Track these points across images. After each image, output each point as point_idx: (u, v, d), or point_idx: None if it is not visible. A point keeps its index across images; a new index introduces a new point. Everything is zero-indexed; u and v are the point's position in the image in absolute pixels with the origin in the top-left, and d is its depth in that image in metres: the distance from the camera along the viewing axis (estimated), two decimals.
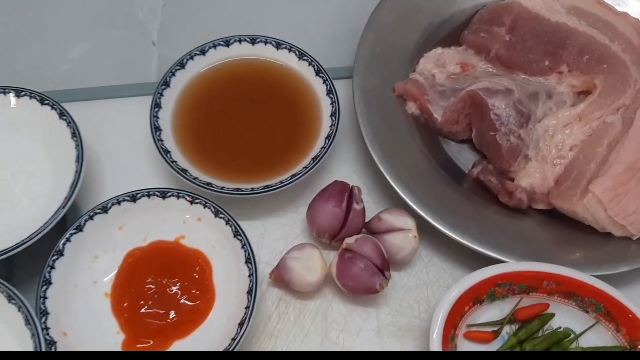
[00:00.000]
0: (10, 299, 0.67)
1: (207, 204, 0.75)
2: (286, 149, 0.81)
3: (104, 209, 0.75)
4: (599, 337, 0.71)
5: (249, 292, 0.70)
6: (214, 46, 0.87)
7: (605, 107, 0.81)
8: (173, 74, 0.84)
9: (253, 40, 0.88)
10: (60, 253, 0.72)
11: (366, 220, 0.76)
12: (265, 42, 0.88)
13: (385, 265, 0.71)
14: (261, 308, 0.74)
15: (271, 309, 0.74)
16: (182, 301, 0.72)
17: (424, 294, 0.76)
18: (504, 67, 0.87)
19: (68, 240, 0.72)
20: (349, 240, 0.72)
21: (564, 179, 0.78)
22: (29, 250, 0.70)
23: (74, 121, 0.78)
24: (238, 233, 0.73)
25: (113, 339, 0.70)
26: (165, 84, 0.84)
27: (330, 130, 0.81)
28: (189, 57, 0.86)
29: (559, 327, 0.72)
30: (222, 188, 0.76)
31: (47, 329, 0.68)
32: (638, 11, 0.91)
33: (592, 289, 0.70)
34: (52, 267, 0.71)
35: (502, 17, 0.88)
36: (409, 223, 0.74)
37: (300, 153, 0.81)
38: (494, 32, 0.88)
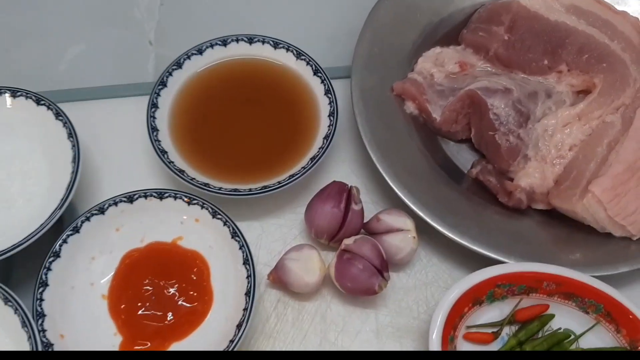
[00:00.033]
0: (6, 301, 0.66)
1: (205, 205, 0.75)
2: (284, 149, 0.81)
3: (101, 210, 0.74)
4: (599, 338, 0.71)
5: (247, 294, 0.69)
6: (211, 46, 0.86)
7: (604, 107, 0.80)
8: (170, 74, 0.84)
9: (250, 40, 0.87)
10: (57, 254, 0.71)
11: (365, 220, 0.76)
12: (263, 42, 0.87)
13: (384, 266, 0.71)
14: (259, 309, 0.74)
15: (269, 311, 0.74)
16: (179, 303, 0.72)
17: (423, 295, 0.76)
18: (503, 66, 0.87)
19: (64, 241, 0.72)
20: (348, 241, 0.72)
21: (563, 179, 0.78)
22: (27, 251, 0.70)
23: (70, 121, 0.78)
24: (236, 234, 0.73)
25: (110, 341, 0.70)
26: (162, 83, 0.83)
27: (329, 130, 0.80)
28: (186, 56, 0.85)
29: (559, 328, 0.71)
30: (220, 189, 0.76)
31: (43, 331, 0.67)
32: (637, 10, 0.91)
33: (592, 290, 0.70)
34: (49, 269, 0.70)
35: (500, 16, 0.88)
36: (407, 223, 0.74)
37: (298, 153, 0.80)
38: (493, 31, 0.87)
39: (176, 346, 0.70)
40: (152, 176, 0.83)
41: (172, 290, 0.72)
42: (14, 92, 0.81)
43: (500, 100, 0.80)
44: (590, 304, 0.71)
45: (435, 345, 0.65)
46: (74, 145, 0.76)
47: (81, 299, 0.71)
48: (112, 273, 0.73)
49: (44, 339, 0.67)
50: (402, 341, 0.73)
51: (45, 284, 0.70)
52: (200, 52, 0.86)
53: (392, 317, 0.74)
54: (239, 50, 0.87)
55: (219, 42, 0.87)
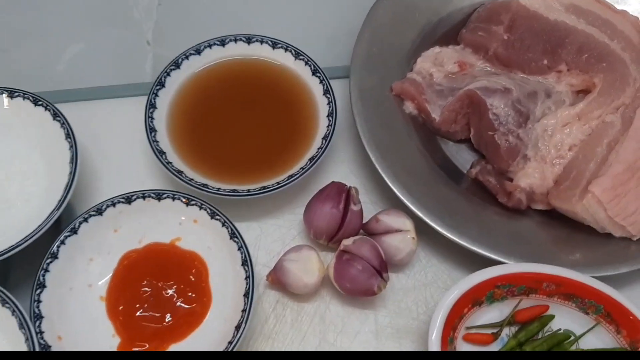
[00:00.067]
0: (4, 302, 0.66)
1: (203, 206, 0.74)
2: (283, 150, 0.81)
3: (99, 211, 0.74)
4: (600, 339, 0.70)
5: (246, 295, 0.69)
6: (210, 46, 0.86)
7: (604, 106, 0.80)
8: (168, 74, 0.84)
9: (249, 40, 0.87)
10: (55, 256, 0.71)
11: (364, 221, 0.76)
12: (261, 42, 0.87)
13: (383, 267, 0.71)
14: (258, 311, 0.74)
15: (268, 312, 0.74)
16: (178, 304, 0.71)
17: (423, 296, 0.76)
18: (503, 66, 0.87)
19: (62, 242, 0.72)
20: (347, 242, 0.72)
21: (563, 179, 0.77)
22: (24, 252, 0.69)
23: (67, 122, 0.78)
24: (234, 235, 0.73)
25: (108, 342, 0.70)
26: (160, 84, 0.83)
27: (327, 130, 0.80)
28: (184, 56, 0.85)
29: (559, 329, 0.71)
30: (218, 189, 0.76)
31: (41, 332, 0.67)
32: (637, 9, 0.91)
33: (592, 290, 0.70)
34: (46, 270, 0.70)
35: (500, 16, 0.88)
36: (407, 224, 0.74)
37: (297, 154, 0.80)
38: (492, 31, 0.87)
39: (174, 347, 0.69)
40: (150, 177, 0.83)
41: (170, 292, 0.72)
42: (11, 93, 0.80)
43: (499, 100, 0.80)
44: (591, 304, 0.70)
45: (434, 346, 0.65)
46: (71, 146, 0.76)
47: (79, 300, 0.71)
48: (110, 274, 0.73)
49: (41, 341, 0.67)
50: (401, 342, 0.73)
51: (42, 286, 0.69)
52: (198, 52, 0.86)
53: (392, 318, 0.74)
54: (237, 50, 0.87)
55: (217, 42, 0.86)
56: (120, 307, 0.71)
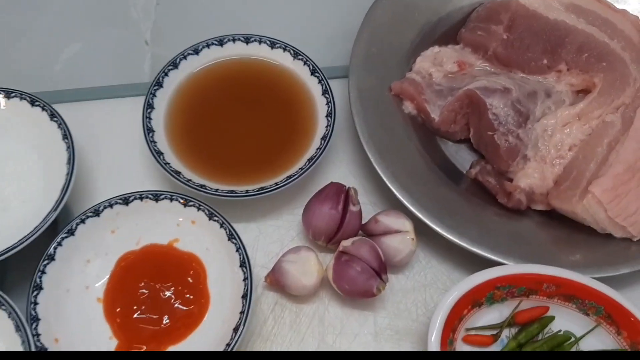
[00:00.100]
0: (0, 304, 0.66)
1: (201, 207, 0.74)
2: (281, 150, 0.80)
3: (96, 212, 0.73)
4: (600, 340, 0.70)
5: (244, 296, 0.69)
6: (208, 45, 0.86)
7: (604, 106, 0.80)
8: (166, 74, 0.83)
9: (247, 40, 0.87)
10: (52, 257, 0.71)
11: (363, 222, 0.75)
12: (260, 42, 0.87)
13: (382, 268, 0.71)
14: (256, 312, 0.73)
15: (267, 313, 0.74)
16: (175, 306, 0.71)
17: (422, 297, 0.75)
18: (502, 65, 0.86)
19: (59, 244, 0.71)
20: (346, 243, 0.71)
21: (563, 180, 0.77)
22: (21, 254, 0.69)
23: (65, 122, 0.77)
24: (232, 236, 0.72)
25: (106, 344, 0.69)
26: (158, 84, 0.82)
27: (326, 130, 0.80)
28: (182, 56, 0.84)
29: (559, 331, 0.71)
30: (216, 190, 0.75)
31: (38, 335, 0.67)
32: (637, 8, 0.91)
33: (593, 292, 0.69)
34: (43, 272, 0.70)
35: (499, 15, 0.87)
36: (406, 225, 0.73)
37: (295, 154, 0.80)
38: (492, 30, 0.87)
39: (172, 350, 0.69)
40: (148, 178, 0.82)
41: (168, 293, 0.71)
42: (8, 93, 0.80)
43: (499, 100, 0.79)
44: (591, 305, 0.70)
45: (434, 348, 0.65)
46: (69, 147, 0.76)
47: (76, 302, 0.71)
48: (108, 276, 0.73)
49: (38, 343, 0.66)
50: (400, 344, 0.72)
51: (39, 287, 0.69)
52: (196, 52, 0.85)
53: (391, 319, 0.74)
54: (235, 50, 0.87)
55: (216, 42, 0.86)
56: (118, 309, 0.71)
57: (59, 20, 0.97)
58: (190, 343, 0.69)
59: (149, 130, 0.79)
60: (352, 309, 0.74)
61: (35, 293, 0.68)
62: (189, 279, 0.72)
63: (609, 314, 0.69)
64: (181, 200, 0.75)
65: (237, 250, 0.72)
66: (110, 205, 0.74)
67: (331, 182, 0.76)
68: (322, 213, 0.73)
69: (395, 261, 0.74)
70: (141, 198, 0.75)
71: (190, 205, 0.74)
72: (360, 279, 0.70)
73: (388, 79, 0.85)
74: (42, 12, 0.97)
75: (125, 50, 0.95)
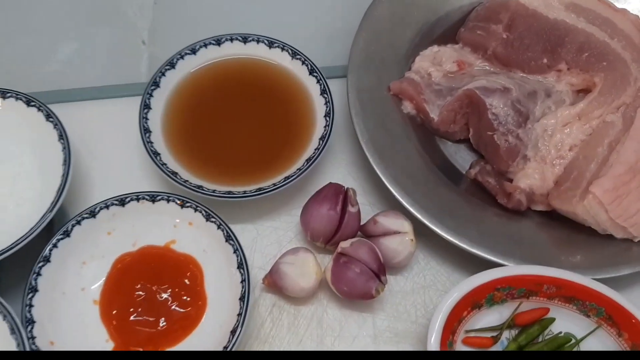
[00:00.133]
0: None
1: (198, 208, 0.73)
2: (279, 151, 0.80)
3: (92, 214, 0.73)
4: (601, 341, 0.70)
5: (242, 299, 0.68)
6: (205, 45, 0.85)
7: (605, 106, 0.80)
8: (163, 74, 0.83)
9: (245, 39, 0.86)
10: (47, 259, 0.70)
11: (362, 223, 0.75)
12: (258, 41, 0.86)
13: (381, 270, 0.70)
14: (254, 314, 0.73)
15: (264, 315, 0.73)
16: (172, 308, 0.71)
17: (421, 299, 0.75)
18: (502, 65, 0.86)
19: (55, 246, 0.71)
20: (344, 244, 0.71)
21: (563, 180, 0.77)
22: (16, 256, 0.69)
23: (61, 123, 0.77)
24: (230, 237, 0.72)
25: (102, 347, 0.69)
26: (155, 84, 0.82)
27: (325, 131, 0.79)
28: (179, 56, 0.84)
29: (560, 332, 0.70)
30: (214, 191, 0.75)
31: (33, 338, 0.66)
32: (638, 7, 0.91)
33: (593, 293, 0.69)
34: (39, 274, 0.69)
35: (499, 15, 0.87)
36: (405, 226, 0.73)
37: (293, 154, 0.79)
38: (491, 30, 0.86)
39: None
40: (145, 178, 0.82)
41: (164, 295, 0.71)
42: (4, 93, 0.80)
43: (499, 100, 0.79)
44: (591, 307, 0.70)
45: (433, 350, 0.64)
46: (65, 148, 0.75)
47: (72, 304, 0.70)
48: (104, 278, 0.72)
49: (33, 346, 0.66)
50: (399, 346, 0.72)
51: (35, 290, 0.68)
52: (193, 51, 0.85)
53: (390, 321, 0.73)
54: (233, 50, 0.86)
55: (213, 42, 0.86)
56: (114, 312, 0.70)
57: (55, 20, 0.97)
58: (187, 346, 0.69)
59: (145, 131, 0.78)
60: (350, 311, 0.74)
61: (30, 295, 0.68)
62: (186, 280, 0.72)
63: (609, 315, 0.69)
64: (178, 202, 0.74)
65: (234, 252, 0.71)
66: (107, 207, 0.73)
67: (329, 183, 0.75)
68: (320, 214, 0.73)
69: (394, 262, 0.73)
70: (138, 199, 0.74)
71: (188, 207, 0.74)
72: (359, 280, 0.69)
73: (387, 79, 0.84)
74: (38, 11, 0.97)
75: (122, 50, 0.94)
